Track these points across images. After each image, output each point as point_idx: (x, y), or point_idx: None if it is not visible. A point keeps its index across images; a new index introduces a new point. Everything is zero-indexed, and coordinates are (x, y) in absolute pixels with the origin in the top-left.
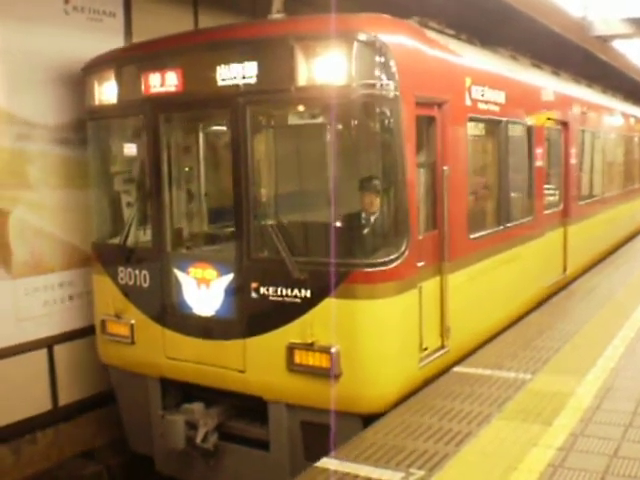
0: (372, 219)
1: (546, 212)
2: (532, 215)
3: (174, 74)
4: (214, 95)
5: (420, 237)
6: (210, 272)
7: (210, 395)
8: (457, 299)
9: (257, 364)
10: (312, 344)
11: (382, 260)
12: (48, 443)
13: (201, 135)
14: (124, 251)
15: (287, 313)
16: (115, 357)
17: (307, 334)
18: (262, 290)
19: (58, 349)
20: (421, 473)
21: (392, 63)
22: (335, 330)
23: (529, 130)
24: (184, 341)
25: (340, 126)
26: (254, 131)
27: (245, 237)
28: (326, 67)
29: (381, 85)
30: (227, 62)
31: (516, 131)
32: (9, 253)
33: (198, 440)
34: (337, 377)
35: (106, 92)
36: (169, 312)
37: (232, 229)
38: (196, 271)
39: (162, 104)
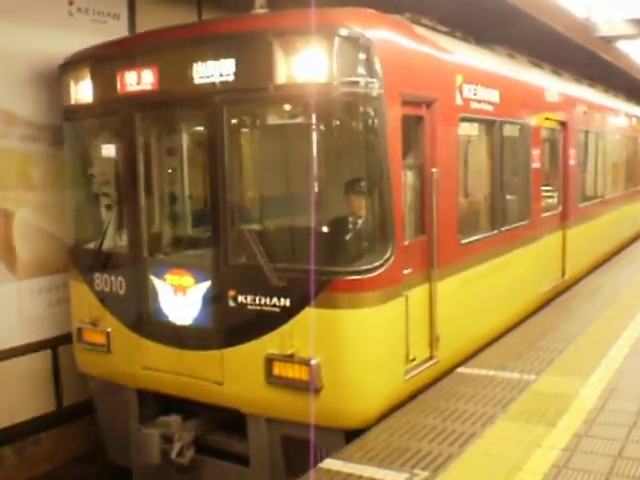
0: (355, 224)
1: (544, 215)
2: (528, 218)
3: (150, 72)
4: (190, 94)
5: (406, 243)
6: (187, 279)
7: (189, 407)
8: (447, 307)
9: (235, 376)
10: (292, 355)
11: (365, 267)
12: (52, 444)
13: (184, 135)
14: (100, 256)
15: (266, 323)
16: (92, 366)
17: (286, 345)
18: (240, 298)
19: (62, 350)
20: (425, 474)
21: (376, 60)
22: (316, 341)
23: (525, 130)
24: (161, 351)
25: (321, 126)
26: (231, 131)
27: (222, 243)
28: (306, 64)
29: (364, 83)
30: (204, 59)
31: (512, 131)
32: (14, 254)
33: (173, 455)
34: (317, 390)
35: (82, 91)
36: (145, 320)
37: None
38: (173, 278)
39: (138, 103)
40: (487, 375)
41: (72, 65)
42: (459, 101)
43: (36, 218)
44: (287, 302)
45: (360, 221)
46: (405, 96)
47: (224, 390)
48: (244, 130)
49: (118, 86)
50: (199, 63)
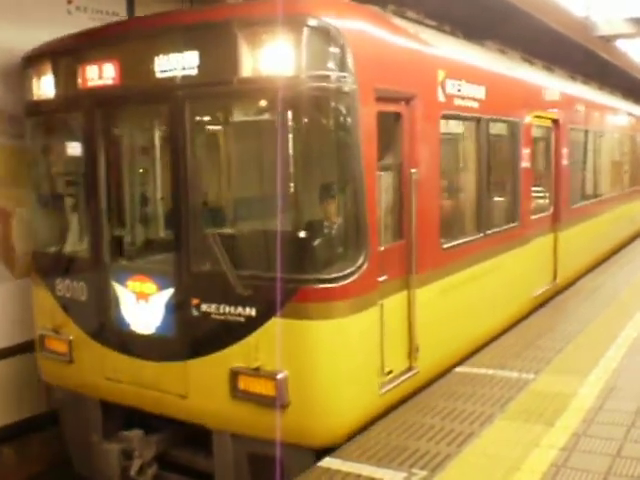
0: (325, 229)
1: (534, 217)
2: (517, 220)
3: (111, 66)
4: (152, 89)
5: (382, 248)
6: (149, 286)
7: (156, 420)
8: (428, 315)
9: (200, 389)
10: (257, 369)
11: (335, 275)
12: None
13: (148, 133)
14: (62, 261)
15: (230, 334)
16: (55, 376)
17: (252, 358)
18: (204, 307)
19: None
20: (423, 473)
21: (348, 52)
22: (283, 354)
23: (514, 128)
24: (123, 361)
25: (288, 123)
26: (194, 129)
27: (185, 248)
28: (272, 56)
29: (335, 77)
30: (165, 52)
31: (499, 129)
32: (13, 253)
33: (132, 472)
34: (284, 406)
35: (43, 86)
36: (108, 329)
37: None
38: (135, 284)
39: (99, 99)
40: (485, 374)
41: (33, 59)
42: (441, 97)
43: None
44: (252, 312)
45: (330, 225)
46: (380, 92)
47: (188, 404)
48: (208, 127)
49: (79, 81)
50: (161, 56)
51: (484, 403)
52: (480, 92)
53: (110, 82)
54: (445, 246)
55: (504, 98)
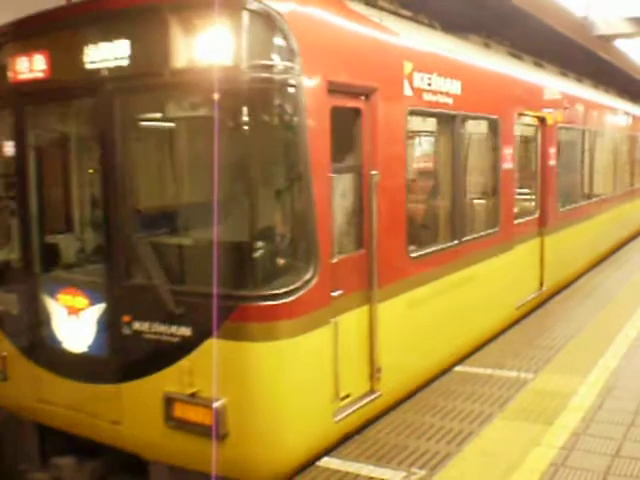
0: (267, 238)
1: (517, 221)
2: (497, 226)
3: (41, 58)
4: (82, 82)
5: (336, 260)
6: (80, 300)
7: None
8: (392, 332)
9: (134, 415)
10: (194, 395)
11: (279, 291)
12: None
13: (79, 131)
14: None
15: (164, 355)
16: None
17: (186, 383)
18: (136, 325)
19: None
20: (422, 472)
21: (293, 39)
22: (221, 379)
23: (495, 127)
24: (55, 382)
25: (226, 119)
26: (125, 125)
27: (115, 258)
28: (208, 44)
29: (279, 67)
30: (95, 41)
31: (477, 128)
32: None
33: None
34: (223, 437)
35: None
36: (39, 346)
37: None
38: (66, 298)
39: (28, 94)
40: (484, 373)
41: None
42: (408, 91)
43: None
44: (187, 332)
45: (274, 235)
46: (335, 85)
47: (122, 431)
48: (141, 124)
49: (10, 75)
50: (90, 46)
51: (483, 402)
52: (455, 87)
53: (40, 75)
54: (413, 255)
55: (484, 94)
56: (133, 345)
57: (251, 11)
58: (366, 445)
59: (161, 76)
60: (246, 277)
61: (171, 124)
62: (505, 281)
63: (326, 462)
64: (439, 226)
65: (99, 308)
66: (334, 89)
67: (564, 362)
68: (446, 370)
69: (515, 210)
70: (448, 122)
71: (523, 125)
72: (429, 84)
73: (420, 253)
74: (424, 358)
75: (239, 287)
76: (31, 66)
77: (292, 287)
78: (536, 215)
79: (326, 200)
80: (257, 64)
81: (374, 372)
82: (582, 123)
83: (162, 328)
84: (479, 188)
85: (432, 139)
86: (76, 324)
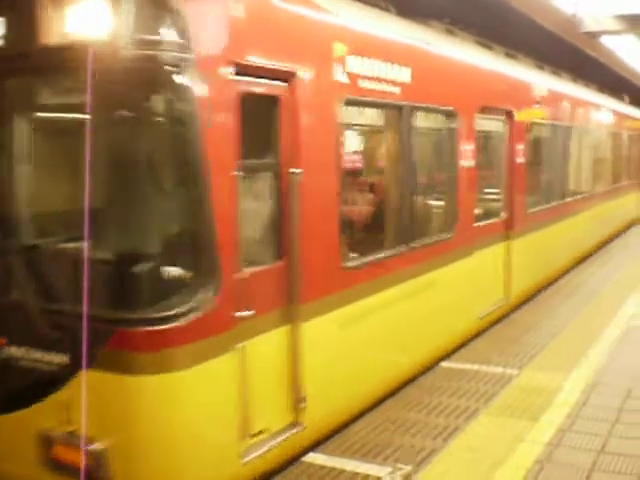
0: (152, 250)
1: (477, 224)
2: (453, 230)
3: None
4: None
5: (245, 274)
6: None
7: None
8: (321, 355)
9: (8, 453)
10: (73, 433)
11: (167, 313)
12: None
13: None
14: None
15: (40, 386)
16: None
17: (64, 419)
18: (11, 349)
19: None
20: (408, 468)
21: (182, 10)
22: (101, 417)
23: (452, 120)
24: None
25: (103, 106)
26: None
27: None
28: (80, 16)
29: (165, 44)
30: None
31: (430, 121)
32: None
33: None
34: None
35: None
36: None
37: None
38: None
39: None
40: (470, 369)
41: None
42: (341, 77)
43: None
44: (64, 359)
45: (163, 245)
46: (242, 67)
47: None
48: (10, 113)
49: None
50: None
51: (469, 398)
52: (404, 74)
53: None
54: (349, 265)
55: (439, 84)
56: (7, 373)
57: None
58: (351, 441)
59: (28, 55)
60: (126, 295)
61: (43, 113)
62: (464, 290)
63: (311, 458)
64: (383, 231)
65: None
66: (242, 72)
67: (549, 359)
68: (391, 394)
69: (476, 212)
70: (395, 113)
71: (487, 119)
72: (369, 70)
73: (357, 263)
74: (361, 383)
75: (117, 308)
76: None
77: (185, 308)
78: (502, 217)
79: (229, 203)
80: (139, 39)
81: (298, 402)
82: (557, 118)
83: (38, 354)
84: (431, 188)
85: (376, 132)
86: None
